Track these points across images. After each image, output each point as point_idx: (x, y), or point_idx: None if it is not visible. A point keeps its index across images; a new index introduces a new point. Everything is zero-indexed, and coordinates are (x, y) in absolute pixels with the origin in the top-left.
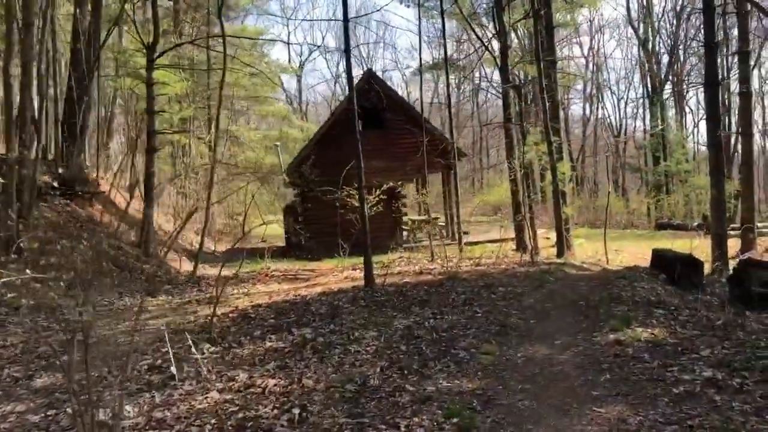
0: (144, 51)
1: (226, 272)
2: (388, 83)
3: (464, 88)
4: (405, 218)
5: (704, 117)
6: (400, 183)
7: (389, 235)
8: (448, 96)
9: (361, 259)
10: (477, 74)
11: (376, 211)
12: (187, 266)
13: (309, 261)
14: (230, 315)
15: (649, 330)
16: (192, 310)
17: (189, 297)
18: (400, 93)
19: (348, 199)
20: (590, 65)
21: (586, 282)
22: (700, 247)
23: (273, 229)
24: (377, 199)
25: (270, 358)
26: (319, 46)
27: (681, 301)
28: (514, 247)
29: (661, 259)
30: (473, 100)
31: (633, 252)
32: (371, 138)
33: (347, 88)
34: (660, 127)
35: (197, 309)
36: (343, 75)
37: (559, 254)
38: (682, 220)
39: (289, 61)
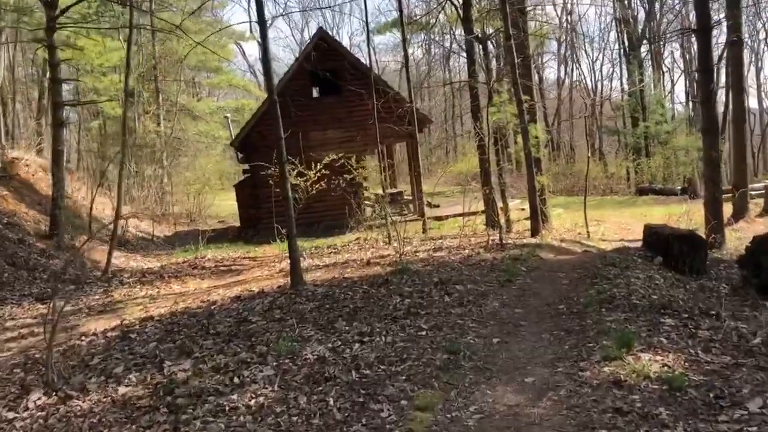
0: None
1: (152, 264)
2: (357, 53)
3: (435, 53)
4: (367, 193)
5: (683, 73)
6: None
7: (349, 213)
8: (405, 55)
9: (316, 242)
10: (447, 38)
11: (322, 187)
12: (115, 256)
13: (258, 245)
14: (108, 334)
15: (659, 357)
16: (73, 323)
17: (85, 303)
18: (370, 63)
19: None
20: (564, 25)
21: (566, 272)
22: (689, 213)
23: (234, 208)
24: (319, 174)
25: (108, 421)
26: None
27: (688, 295)
28: (485, 222)
29: (655, 237)
30: (443, 65)
31: (615, 222)
32: (327, 106)
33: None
34: (639, 85)
35: (80, 323)
36: (307, 41)
37: (534, 232)
38: (664, 183)
39: (251, 28)
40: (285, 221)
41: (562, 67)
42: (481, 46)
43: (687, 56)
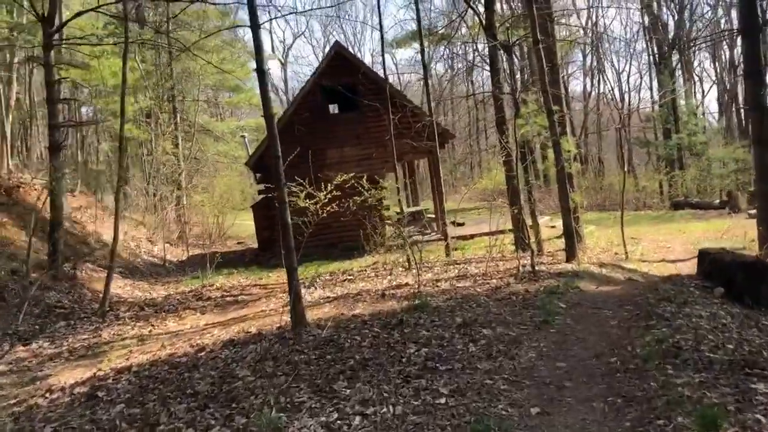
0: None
1: (158, 293)
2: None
3: (457, 69)
4: (388, 213)
5: (714, 83)
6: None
7: (365, 235)
8: (424, 65)
9: (332, 266)
10: (470, 52)
11: (336, 209)
12: (120, 285)
13: (272, 269)
14: (75, 390)
15: None
16: (47, 372)
17: (69, 344)
18: (385, 73)
19: (293, 198)
20: (590, 35)
21: (613, 309)
22: (734, 229)
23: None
24: (330, 195)
25: None
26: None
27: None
28: (513, 242)
29: (714, 264)
30: (466, 79)
31: (652, 239)
32: (345, 122)
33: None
34: (671, 95)
35: (55, 371)
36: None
37: (569, 257)
38: (700, 197)
39: (273, 49)
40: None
41: (588, 79)
42: (505, 55)
43: (717, 65)
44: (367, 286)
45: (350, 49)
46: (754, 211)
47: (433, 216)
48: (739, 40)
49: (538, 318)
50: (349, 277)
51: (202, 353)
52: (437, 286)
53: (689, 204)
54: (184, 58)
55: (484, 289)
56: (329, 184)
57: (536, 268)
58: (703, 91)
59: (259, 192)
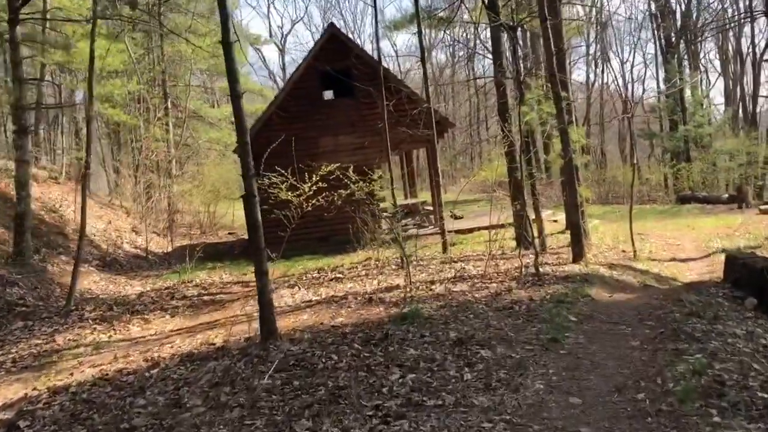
0: None
1: (133, 289)
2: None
3: (459, 57)
4: (384, 204)
5: (720, 75)
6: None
7: (358, 228)
8: (421, 48)
9: (322, 262)
10: (471, 40)
11: (321, 202)
12: (95, 280)
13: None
14: None
15: None
16: None
17: (17, 351)
18: (379, 54)
19: (271, 189)
20: (594, 24)
21: (632, 324)
22: (746, 225)
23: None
24: (315, 188)
25: None
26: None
27: None
28: (514, 238)
29: (744, 270)
30: (467, 67)
31: (660, 236)
32: (339, 109)
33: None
34: (679, 84)
35: None
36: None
37: (576, 257)
38: (708, 191)
39: (270, 35)
40: (294, 234)
41: (591, 68)
42: (508, 37)
43: (723, 56)
44: (355, 288)
45: (349, 36)
46: (765, 206)
47: (431, 209)
48: (747, 29)
49: (545, 335)
50: (338, 275)
51: (155, 370)
52: (431, 289)
53: (696, 198)
54: (176, 42)
55: (482, 295)
56: (314, 175)
57: (540, 269)
58: (708, 82)
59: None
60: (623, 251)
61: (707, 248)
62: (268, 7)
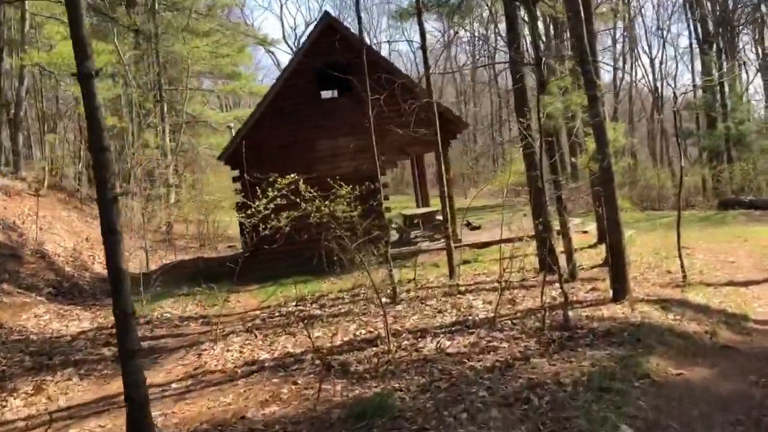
0: None
1: (75, 327)
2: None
3: (479, 56)
4: (390, 214)
5: (758, 70)
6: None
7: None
8: (421, 31)
9: (309, 287)
10: (492, 37)
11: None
12: (38, 313)
13: (248, 284)
14: None
15: None
16: None
17: None
18: (360, 30)
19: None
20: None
21: None
22: None
23: None
24: (274, 204)
25: None
26: None
27: None
28: (537, 257)
29: None
30: (489, 70)
31: (707, 249)
32: (338, 108)
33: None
34: (718, 76)
35: None
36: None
37: (618, 294)
38: (756, 195)
39: (284, 36)
40: (289, 251)
41: (619, 64)
42: (526, 12)
43: (760, 50)
44: (322, 338)
45: (366, 39)
46: None
47: (442, 219)
48: None
49: None
50: (315, 311)
51: None
52: (418, 346)
53: (741, 203)
54: (173, 42)
55: (487, 364)
56: (331, 179)
57: (571, 314)
58: (748, 77)
59: (236, 191)
60: (668, 272)
61: None
62: (281, 8)
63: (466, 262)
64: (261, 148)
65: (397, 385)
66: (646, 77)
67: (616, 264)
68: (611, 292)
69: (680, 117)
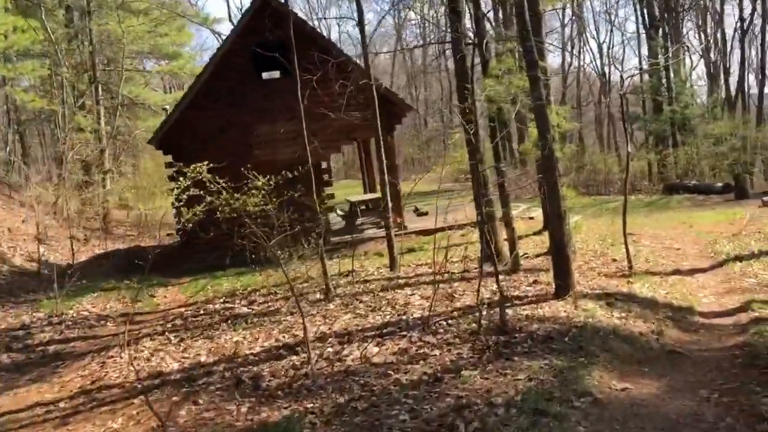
0: None
1: None
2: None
3: (429, 39)
4: (334, 201)
5: (701, 55)
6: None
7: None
8: (359, 6)
9: (246, 281)
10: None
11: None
12: None
13: (179, 277)
14: None
15: None
16: None
17: None
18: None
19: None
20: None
21: None
22: (754, 223)
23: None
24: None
25: None
26: None
27: None
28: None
29: None
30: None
31: (655, 237)
32: (277, 91)
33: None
34: (664, 59)
35: None
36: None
37: (560, 290)
38: (698, 179)
39: (229, 16)
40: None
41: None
42: None
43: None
44: (243, 342)
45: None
46: (767, 198)
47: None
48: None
49: None
50: (241, 310)
51: None
52: (342, 354)
53: (686, 187)
54: (107, 21)
55: (415, 378)
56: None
57: (510, 314)
58: (691, 63)
59: (169, 178)
60: (614, 260)
61: (714, 253)
62: None
63: (410, 250)
64: (195, 132)
65: (310, 406)
66: (594, 62)
67: (559, 259)
68: (554, 288)
69: (627, 101)
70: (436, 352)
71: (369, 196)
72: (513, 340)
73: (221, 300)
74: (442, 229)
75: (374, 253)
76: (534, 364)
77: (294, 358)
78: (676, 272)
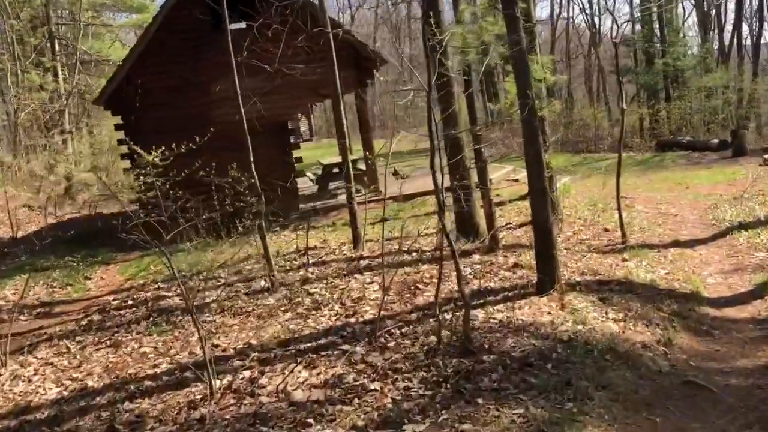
0: None
1: None
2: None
3: None
4: (302, 165)
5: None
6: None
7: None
8: None
9: (194, 259)
10: None
11: None
12: None
13: (127, 253)
14: None
15: None
16: None
17: None
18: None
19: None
20: None
21: None
22: (755, 183)
23: None
24: None
25: None
26: None
27: None
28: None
29: None
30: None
31: (649, 200)
32: (239, 44)
33: None
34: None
35: None
36: None
37: (544, 285)
38: (693, 135)
39: None
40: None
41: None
42: None
43: None
44: (144, 360)
45: None
46: None
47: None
48: None
49: None
50: (176, 298)
51: None
52: (258, 383)
53: (679, 144)
54: None
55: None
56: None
57: (479, 321)
58: (684, 12)
59: (119, 142)
60: (606, 230)
61: (715, 221)
62: None
63: (384, 220)
64: (147, 92)
65: None
66: (583, 12)
67: (543, 247)
68: (536, 283)
69: (619, 49)
70: (377, 385)
71: (339, 159)
72: (480, 366)
73: (156, 286)
74: (421, 195)
75: (344, 222)
76: (503, 416)
77: (195, 389)
78: (675, 244)
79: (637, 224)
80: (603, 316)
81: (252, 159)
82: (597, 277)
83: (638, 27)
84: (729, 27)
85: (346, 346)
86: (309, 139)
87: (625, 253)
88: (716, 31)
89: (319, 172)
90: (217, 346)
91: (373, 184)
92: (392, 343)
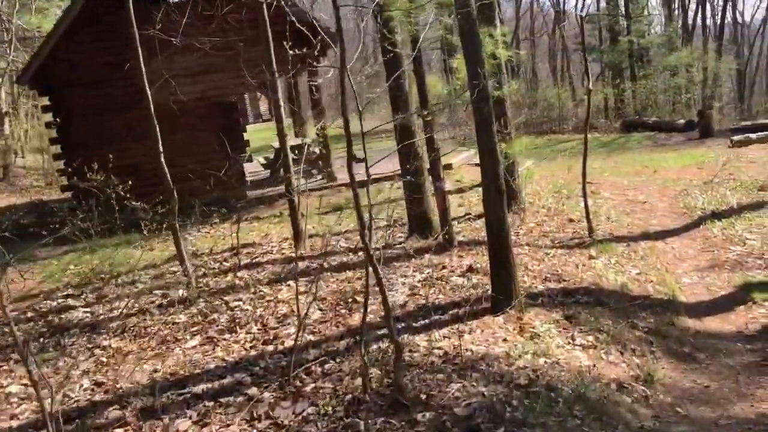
0: None
1: None
2: None
3: None
4: (251, 148)
5: None
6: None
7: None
8: None
9: (122, 258)
10: None
11: None
12: None
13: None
14: None
15: None
16: None
17: None
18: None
19: None
20: None
21: None
22: (725, 166)
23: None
24: None
25: None
26: None
27: None
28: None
29: None
30: None
31: (616, 185)
32: (182, 15)
33: None
34: None
35: None
36: None
37: (499, 304)
38: (658, 115)
39: None
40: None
41: None
42: None
43: None
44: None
45: None
46: (738, 137)
47: (324, 151)
48: None
49: None
50: (81, 311)
51: None
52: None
53: (645, 125)
54: None
55: None
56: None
57: (417, 355)
58: None
59: (47, 125)
60: (571, 221)
61: (687, 208)
62: None
63: (337, 209)
64: (77, 70)
65: None
66: None
67: (499, 261)
68: (490, 300)
69: (584, 25)
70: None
71: (297, 141)
72: (411, 429)
73: (65, 293)
74: (383, 179)
75: (281, 219)
76: None
77: None
78: (645, 236)
79: (603, 213)
80: (569, 343)
81: (161, 149)
82: (562, 284)
83: (603, 4)
84: (693, 6)
85: (252, 390)
86: (269, 119)
87: (592, 248)
88: (680, 9)
89: (271, 156)
90: (101, 384)
91: (327, 168)
92: (310, 387)
